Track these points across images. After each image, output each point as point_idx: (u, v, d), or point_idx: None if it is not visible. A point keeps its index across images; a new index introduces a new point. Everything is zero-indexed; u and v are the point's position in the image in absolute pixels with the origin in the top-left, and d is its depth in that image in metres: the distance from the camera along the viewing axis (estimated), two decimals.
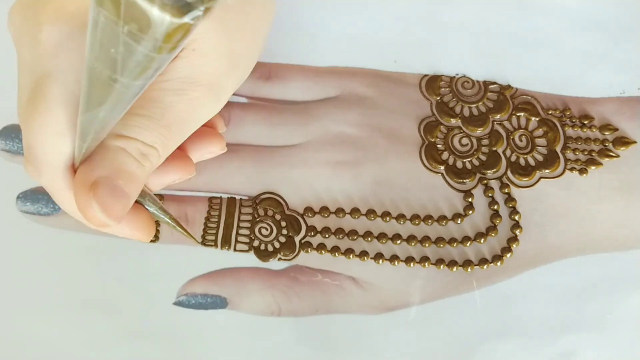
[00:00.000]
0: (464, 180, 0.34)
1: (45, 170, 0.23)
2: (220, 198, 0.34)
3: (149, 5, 0.13)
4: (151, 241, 0.33)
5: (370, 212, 0.33)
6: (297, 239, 0.33)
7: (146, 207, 0.25)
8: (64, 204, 0.24)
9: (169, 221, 0.26)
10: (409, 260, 0.33)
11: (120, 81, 0.17)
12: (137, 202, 0.25)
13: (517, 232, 0.33)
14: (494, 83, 0.37)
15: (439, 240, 0.33)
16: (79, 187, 0.22)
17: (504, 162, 0.35)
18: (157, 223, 0.33)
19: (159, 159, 0.24)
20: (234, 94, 0.36)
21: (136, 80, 0.17)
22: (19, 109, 0.23)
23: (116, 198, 0.22)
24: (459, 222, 0.34)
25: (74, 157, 0.23)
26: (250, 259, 0.33)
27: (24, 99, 0.22)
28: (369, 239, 0.33)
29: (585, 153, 0.35)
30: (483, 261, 0.33)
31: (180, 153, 0.27)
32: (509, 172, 0.35)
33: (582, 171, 0.35)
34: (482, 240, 0.33)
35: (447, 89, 0.36)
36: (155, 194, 0.31)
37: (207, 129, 0.28)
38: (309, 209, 0.34)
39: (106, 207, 0.22)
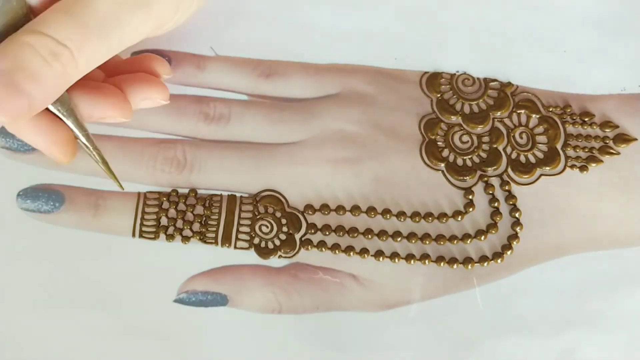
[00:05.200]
0: (465, 178, 0.34)
1: None
2: (221, 195, 0.34)
3: None
4: (150, 239, 0.33)
5: (371, 210, 0.33)
6: (297, 237, 0.33)
7: (70, 127, 0.25)
8: None
9: (94, 153, 0.25)
10: (409, 257, 0.33)
11: None
12: (60, 118, 0.24)
13: (518, 229, 0.33)
14: (495, 80, 0.37)
15: (440, 237, 0.33)
16: None
17: (504, 159, 0.35)
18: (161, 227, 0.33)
19: (72, 62, 0.23)
20: (234, 92, 0.36)
21: None
22: None
23: (10, 93, 0.21)
24: (459, 219, 0.34)
25: None
26: (250, 257, 0.33)
27: None
28: (370, 236, 0.33)
29: (586, 150, 0.35)
30: (483, 258, 0.33)
31: (116, 90, 0.26)
32: (509, 170, 0.35)
33: (583, 168, 0.35)
34: (482, 238, 0.33)
35: (448, 86, 0.36)
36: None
37: (149, 76, 0.27)
38: (309, 207, 0.33)
39: None
